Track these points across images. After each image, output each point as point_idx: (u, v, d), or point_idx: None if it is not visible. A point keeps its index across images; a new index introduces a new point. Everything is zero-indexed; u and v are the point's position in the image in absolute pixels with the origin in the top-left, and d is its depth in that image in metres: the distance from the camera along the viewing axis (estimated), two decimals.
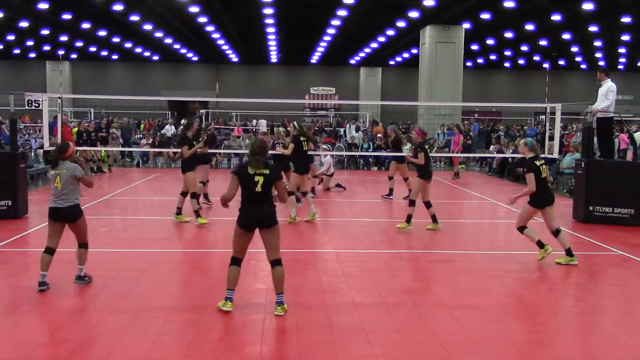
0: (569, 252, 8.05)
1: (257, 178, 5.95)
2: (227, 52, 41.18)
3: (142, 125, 31.83)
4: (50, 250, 6.57)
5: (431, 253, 8.90)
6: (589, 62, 42.51)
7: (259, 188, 5.94)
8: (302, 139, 11.00)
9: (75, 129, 18.83)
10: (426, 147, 10.59)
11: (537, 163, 7.93)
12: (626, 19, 27.02)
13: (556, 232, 8.09)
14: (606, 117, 11.70)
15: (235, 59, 44.86)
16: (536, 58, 41.75)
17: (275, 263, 6.00)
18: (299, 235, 9.93)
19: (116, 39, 35.93)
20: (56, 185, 6.51)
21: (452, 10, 24.64)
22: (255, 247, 8.85)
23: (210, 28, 31.14)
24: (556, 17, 26.50)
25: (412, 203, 10.36)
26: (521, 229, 8.18)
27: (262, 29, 31.11)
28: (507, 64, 45.92)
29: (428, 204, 10.36)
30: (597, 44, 35.34)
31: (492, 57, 42.31)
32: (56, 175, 6.54)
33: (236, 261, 6.08)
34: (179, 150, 10.83)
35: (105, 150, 19.41)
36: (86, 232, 6.78)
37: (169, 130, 26.81)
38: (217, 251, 8.66)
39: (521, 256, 8.85)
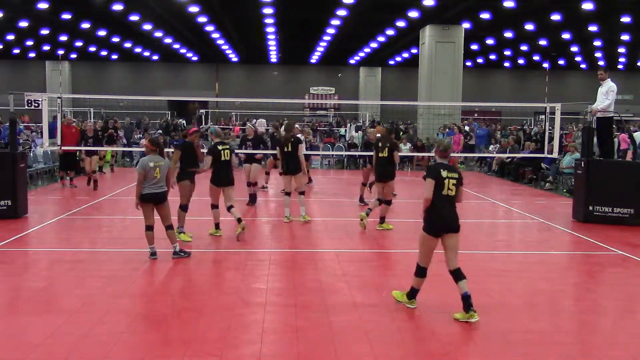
0: (217, 226, 9.45)
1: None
2: (227, 52, 41.18)
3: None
4: (150, 227, 7.92)
5: None
6: (589, 61, 42.51)
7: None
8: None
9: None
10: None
11: (220, 147, 9.22)
12: (626, 19, 27.02)
13: (229, 208, 9.21)
14: (606, 116, 11.70)
15: (235, 59, 44.85)
16: (536, 58, 41.75)
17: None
18: (298, 235, 9.92)
19: (116, 39, 35.93)
20: (156, 174, 7.77)
21: (452, 10, 24.63)
22: (253, 247, 8.87)
23: (210, 28, 31.13)
24: (556, 17, 26.49)
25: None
26: (213, 206, 9.39)
27: (262, 29, 31.11)
28: (506, 64, 45.92)
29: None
30: (597, 43, 35.34)
31: (492, 56, 42.31)
32: (156, 167, 7.78)
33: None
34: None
35: (109, 151, 19.37)
36: (170, 214, 8.07)
37: (262, 124, 22.24)
38: (216, 251, 8.66)
39: (521, 256, 8.87)
